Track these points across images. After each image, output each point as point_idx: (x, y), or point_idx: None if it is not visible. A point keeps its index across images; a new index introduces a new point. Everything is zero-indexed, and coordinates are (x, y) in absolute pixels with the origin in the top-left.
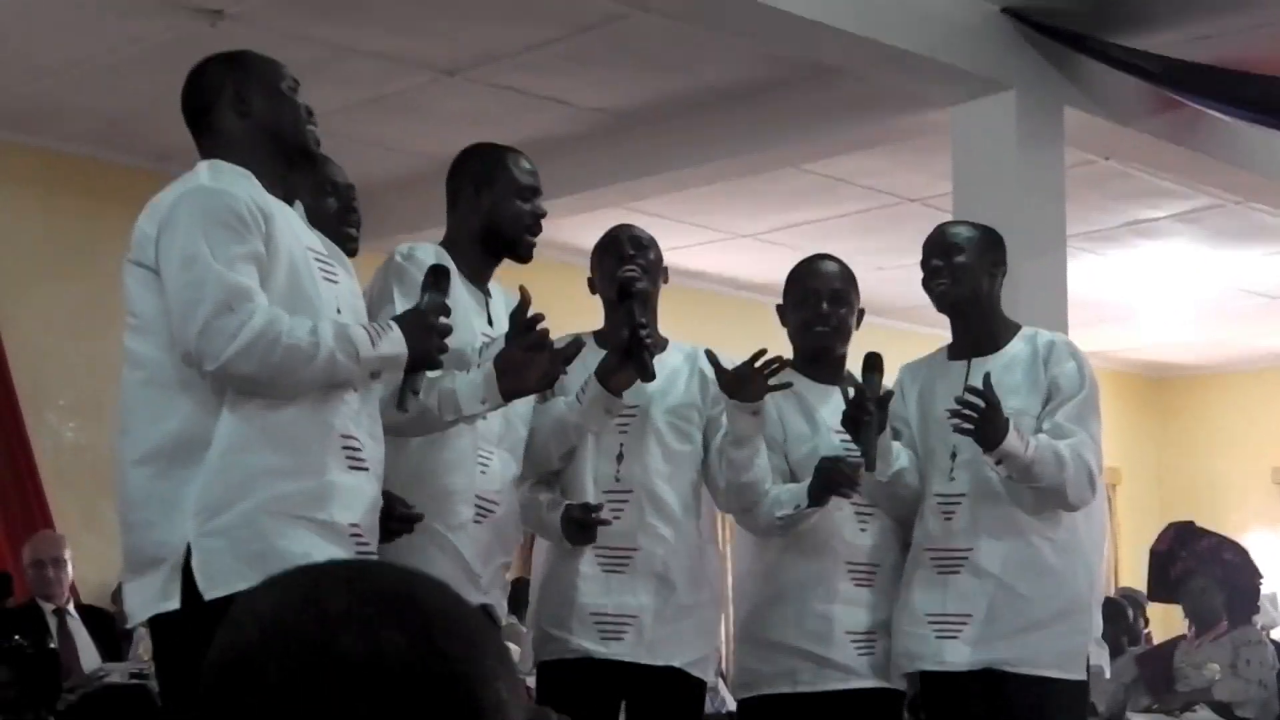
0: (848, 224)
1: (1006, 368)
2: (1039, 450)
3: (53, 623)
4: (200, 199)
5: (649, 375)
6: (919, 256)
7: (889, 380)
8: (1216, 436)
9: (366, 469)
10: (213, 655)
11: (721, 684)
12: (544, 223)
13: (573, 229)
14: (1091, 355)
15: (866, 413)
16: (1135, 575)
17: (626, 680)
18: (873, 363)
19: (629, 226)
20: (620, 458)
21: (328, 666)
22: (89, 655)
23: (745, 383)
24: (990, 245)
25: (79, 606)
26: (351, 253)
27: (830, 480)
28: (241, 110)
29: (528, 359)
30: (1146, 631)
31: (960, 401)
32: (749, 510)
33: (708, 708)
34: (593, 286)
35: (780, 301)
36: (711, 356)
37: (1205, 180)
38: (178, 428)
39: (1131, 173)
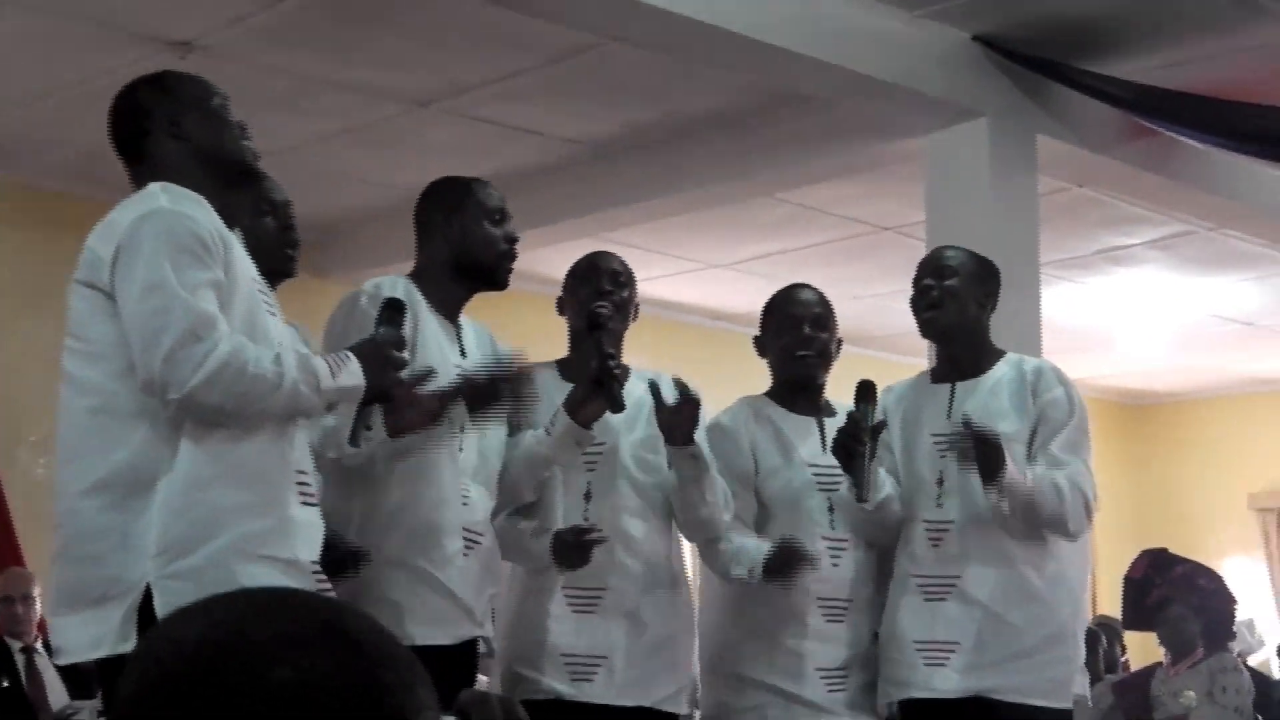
0: (823, 253)
1: (992, 391)
2: (1038, 481)
3: (20, 660)
4: (163, 222)
5: (618, 407)
6: (895, 285)
7: None
8: (1193, 463)
9: (315, 504)
10: (128, 687)
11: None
12: (518, 254)
13: (547, 260)
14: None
15: (860, 443)
16: (1113, 602)
17: None
18: (866, 392)
19: (610, 257)
20: (588, 496)
21: (257, 693)
22: (57, 693)
23: (672, 428)
24: (984, 275)
25: (47, 644)
26: (290, 272)
27: (786, 564)
28: (176, 134)
29: (414, 398)
30: (1125, 659)
31: (955, 434)
32: (708, 546)
33: None
34: (561, 307)
35: (757, 332)
36: (654, 388)
37: (1178, 207)
38: (129, 458)
39: (1105, 200)
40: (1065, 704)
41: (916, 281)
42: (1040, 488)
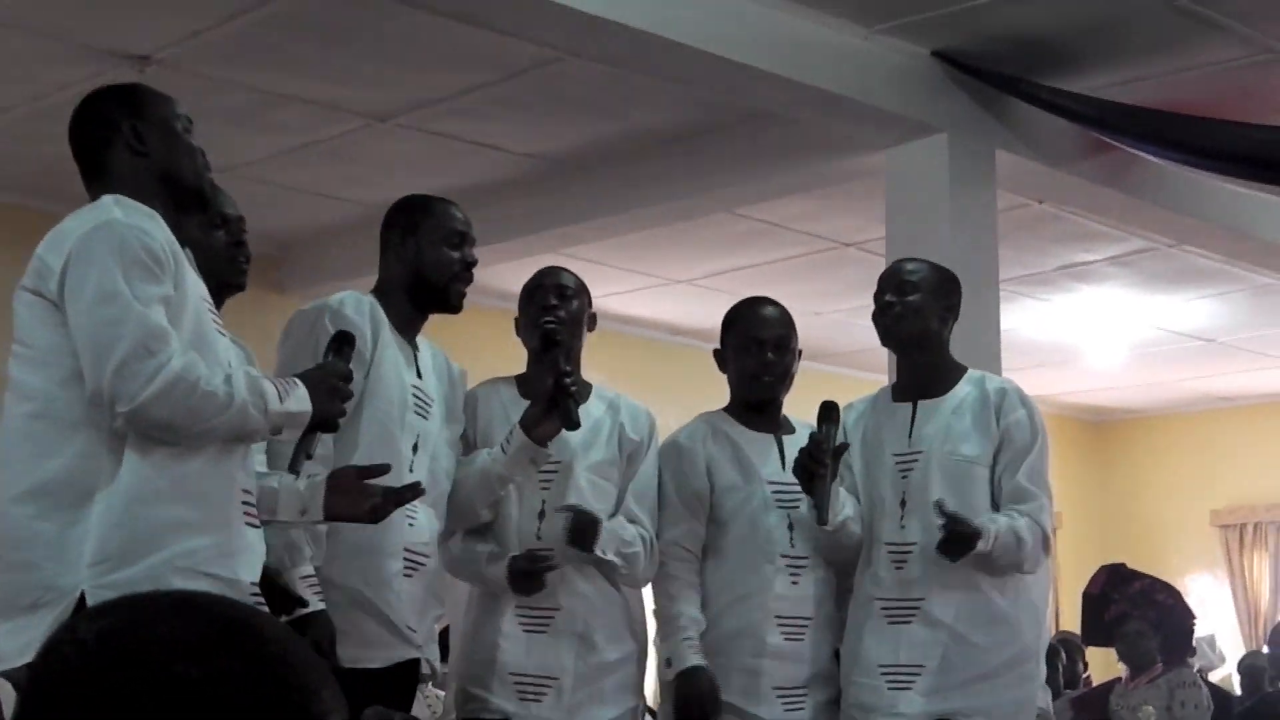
0: (783, 269)
1: (954, 412)
2: (1001, 538)
3: None
4: (116, 234)
5: (573, 424)
6: (856, 301)
7: None
8: (1156, 479)
9: (259, 525)
10: (30, 685)
11: None
12: (477, 269)
13: (506, 275)
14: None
15: (822, 465)
16: (1075, 618)
17: None
18: (829, 412)
19: (556, 272)
20: (542, 514)
21: (159, 690)
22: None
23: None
24: (945, 288)
25: None
26: (241, 285)
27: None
28: (138, 150)
29: (362, 487)
30: (1086, 675)
31: (943, 528)
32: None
33: None
34: (518, 327)
35: (717, 346)
36: (578, 512)
37: (1138, 223)
38: (66, 466)
39: (1065, 216)
40: None
41: (878, 296)
42: (1003, 543)
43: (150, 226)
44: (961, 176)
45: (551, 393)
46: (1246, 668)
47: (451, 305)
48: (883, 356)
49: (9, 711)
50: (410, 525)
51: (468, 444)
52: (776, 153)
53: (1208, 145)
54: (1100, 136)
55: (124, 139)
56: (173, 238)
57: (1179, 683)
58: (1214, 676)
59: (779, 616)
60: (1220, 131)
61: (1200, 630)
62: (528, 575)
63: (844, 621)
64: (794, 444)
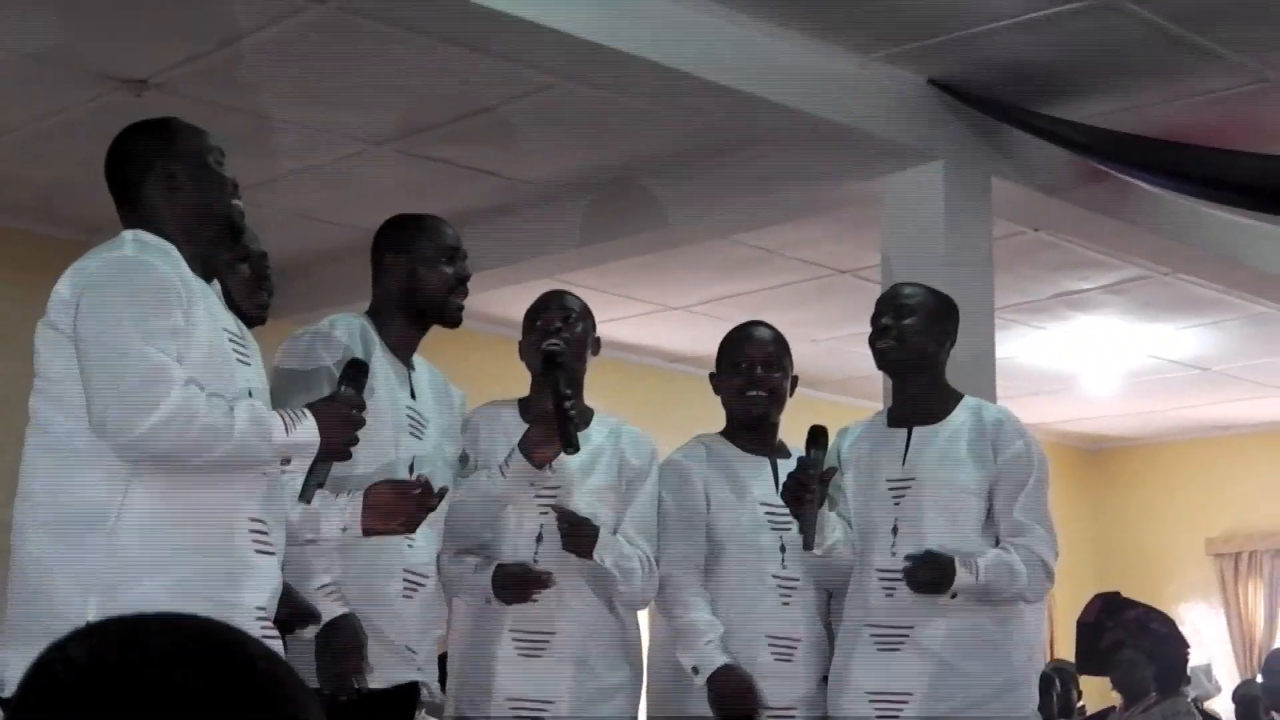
0: (779, 296)
1: (950, 440)
2: (991, 571)
3: None
4: (126, 270)
5: (573, 447)
6: (852, 328)
7: None
8: (1150, 508)
9: (273, 553)
10: (17, 705)
11: None
12: (474, 295)
13: (503, 301)
14: (1027, 427)
15: (809, 490)
16: (1070, 646)
17: None
18: (817, 437)
19: (560, 295)
20: (540, 539)
21: (152, 707)
22: None
23: (571, 549)
24: (943, 313)
25: None
26: (260, 320)
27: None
28: (171, 186)
29: (397, 501)
30: (1081, 705)
31: (905, 571)
32: (659, 606)
33: None
34: (522, 352)
35: (713, 370)
36: (566, 514)
37: (1134, 251)
38: (81, 496)
39: (1060, 244)
40: None
41: (875, 319)
42: (995, 577)
43: (161, 261)
44: (957, 204)
45: (551, 415)
46: (1241, 697)
47: (450, 319)
48: (879, 384)
49: None
50: (409, 546)
51: (468, 467)
52: (773, 179)
53: (1203, 174)
54: (1096, 165)
55: (157, 176)
56: (186, 270)
57: (1173, 712)
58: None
59: (770, 636)
60: (1215, 160)
61: (1195, 659)
62: (516, 584)
63: (833, 646)
64: (788, 468)
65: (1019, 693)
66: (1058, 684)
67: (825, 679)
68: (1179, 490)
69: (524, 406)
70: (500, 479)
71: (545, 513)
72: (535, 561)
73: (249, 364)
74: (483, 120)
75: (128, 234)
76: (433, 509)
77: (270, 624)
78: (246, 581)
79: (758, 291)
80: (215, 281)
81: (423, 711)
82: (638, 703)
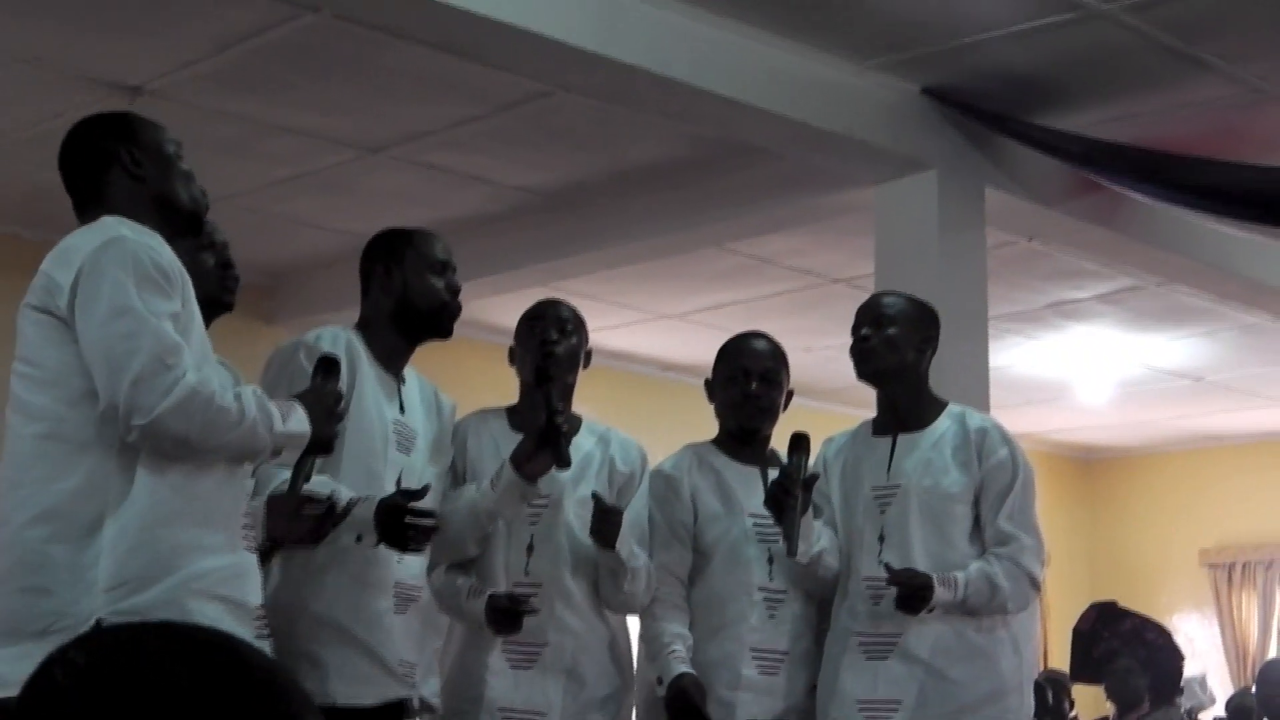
0: (773, 304)
1: (934, 447)
2: (971, 586)
3: None
4: (127, 249)
5: (565, 463)
6: (845, 337)
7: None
8: (1144, 518)
9: (253, 550)
10: (18, 710)
11: None
12: (466, 303)
13: (496, 308)
14: (1021, 437)
15: (791, 496)
16: (1063, 656)
17: None
18: (799, 443)
19: (556, 304)
20: (530, 549)
21: (152, 705)
22: None
23: (597, 535)
24: (923, 321)
25: None
26: (229, 305)
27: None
28: (135, 175)
29: (300, 510)
30: (1073, 715)
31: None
32: (645, 615)
33: None
34: (512, 357)
35: (708, 377)
36: (596, 497)
37: (1127, 261)
38: (77, 487)
39: (1054, 254)
40: None
41: (855, 329)
42: (975, 591)
43: (158, 244)
44: (951, 213)
45: (543, 430)
46: (1235, 708)
47: (443, 331)
48: (872, 393)
49: None
50: (399, 561)
51: (457, 476)
52: (766, 188)
53: (1196, 184)
54: (1089, 175)
55: (121, 164)
56: (176, 258)
57: None
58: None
59: (754, 649)
60: (1208, 170)
61: (1190, 670)
62: (507, 615)
63: (821, 658)
64: None
65: (1008, 700)
66: (1050, 693)
67: (814, 688)
68: (1172, 500)
69: (513, 414)
70: (491, 493)
71: (535, 523)
72: (526, 573)
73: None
74: (477, 128)
75: (111, 218)
76: (338, 522)
77: (265, 626)
78: (249, 580)
79: (751, 300)
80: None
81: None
82: (629, 713)
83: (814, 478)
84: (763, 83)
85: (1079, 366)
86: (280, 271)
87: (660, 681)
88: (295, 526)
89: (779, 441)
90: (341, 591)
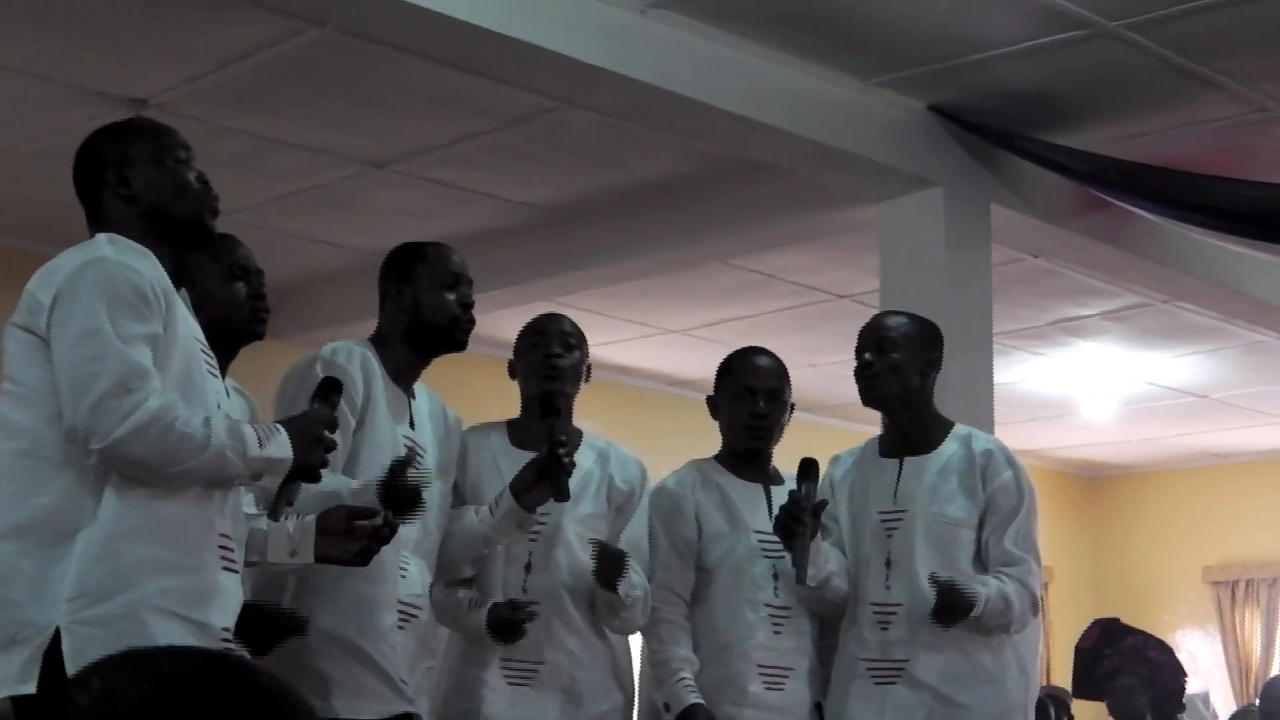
0: (778, 320)
1: (940, 473)
2: (991, 602)
3: None
4: (104, 271)
5: (564, 497)
6: (850, 354)
7: None
8: (1148, 535)
9: (236, 571)
10: None
11: None
12: (474, 319)
13: (501, 323)
14: (1025, 454)
15: (801, 523)
16: (1066, 674)
17: None
18: (808, 470)
19: (559, 319)
20: (529, 567)
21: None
22: None
23: (600, 578)
24: (926, 342)
25: None
26: (259, 335)
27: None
28: (125, 195)
29: (351, 529)
30: None
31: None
32: (646, 634)
33: None
34: (512, 370)
35: (711, 393)
36: (601, 546)
37: (1133, 279)
38: (51, 504)
39: (1059, 271)
40: None
41: (858, 353)
42: (992, 608)
43: (140, 264)
44: (956, 230)
45: (545, 462)
46: None
47: (456, 344)
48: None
49: None
50: (403, 577)
51: (456, 491)
52: (772, 204)
53: (1202, 202)
54: (1095, 192)
55: (111, 185)
56: (165, 277)
57: None
58: None
59: (761, 666)
60: (1214, 189)
61: (1192, 687)
62: (508, 624)
63: (827, 674)
64: (782, 495)
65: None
66: (1051, 711)
67: (819, 705)
68: (1176, 518)
69: (513, 429)
70: (490, 519)
71: (534, 541)
72: (524, 590)
73: (217, 376)
74: (482, 143)
75: (102, 236)
76: (386, 541)
77: (234, 647)
78: (215, 602)
79: (756, 316)
80: (184, 290)
81: None
82: None
83: (822, 504)
84: (769, 100)
85: (1084, 383)
86: (286, 287)
87: (668, 709)
88: (346, 545)
89: (788, 458)
90: (348, 608)
